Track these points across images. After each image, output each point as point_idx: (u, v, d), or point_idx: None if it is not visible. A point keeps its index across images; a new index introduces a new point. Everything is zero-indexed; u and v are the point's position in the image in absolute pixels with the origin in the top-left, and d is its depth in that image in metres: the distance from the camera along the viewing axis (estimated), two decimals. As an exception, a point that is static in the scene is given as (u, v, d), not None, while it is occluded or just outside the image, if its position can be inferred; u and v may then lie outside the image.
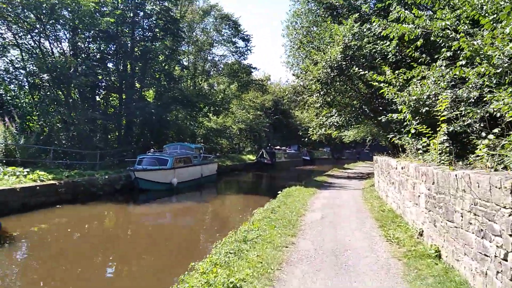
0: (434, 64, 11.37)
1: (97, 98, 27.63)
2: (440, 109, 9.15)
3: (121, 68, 28.39)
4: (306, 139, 49.21)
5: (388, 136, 14.12)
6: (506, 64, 7.80)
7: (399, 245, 6.82)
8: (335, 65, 17.03)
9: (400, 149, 21.57)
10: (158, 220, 14.07)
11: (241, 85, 43.90)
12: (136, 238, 11.11)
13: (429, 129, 9.62)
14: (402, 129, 14.95)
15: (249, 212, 12.57)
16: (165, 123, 30.70)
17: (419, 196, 7.26)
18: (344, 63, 17.08)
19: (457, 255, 5.10)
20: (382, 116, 13.59)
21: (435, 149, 9.38)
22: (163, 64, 29.72)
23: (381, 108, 18.09)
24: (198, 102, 30.32)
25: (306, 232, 8.05)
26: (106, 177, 16.93)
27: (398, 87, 12.64)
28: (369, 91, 20.50)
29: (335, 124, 20.16)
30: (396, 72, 12.57)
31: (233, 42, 41.74)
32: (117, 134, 27.37)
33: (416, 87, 11.77)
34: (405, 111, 11.94)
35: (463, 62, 9.30)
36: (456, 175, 5.08)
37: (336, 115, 20.10)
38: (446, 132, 9.29)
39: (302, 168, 45.16)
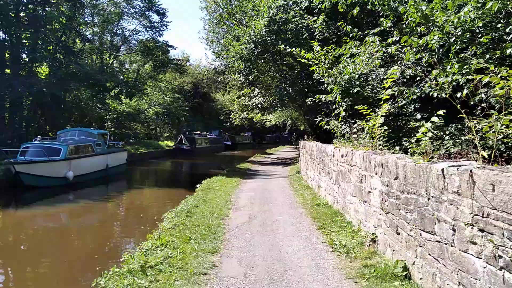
0: (367, 39, 10.24)
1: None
2: (385, 86, 7.93)
3: (4, 37, 23.17)
4: (228, 124, 47.68)
5: (315, 119, 12.92)
6: (459, 32, 6.74)
7: (349, 257, 5.32)
8: (260, 40, 15.27)
9: (318, 132, 20.99)
10: (46, 223, 11.00)
11: (157, 65, 40.10)
12: (18, 247, 8.16)
13: (367, 109, 8.36)
14: (330, 113, 13.94)
15: (161, 213, 10.32)
16: (63, 104, 26.25)
17: (369, 192, 5.84)
18: (269, 38, 15.41)
19: (444, 283, 3.66)
20: (310, 98, 12.27)
21: (371, 133, 8.22)
22: (59, 35, 25.02)
23: (306, 89, 16.96)
24: (102, 81, 26.26)
25: (231, 243, 6.17)
26: (-29, 173, 13.03)
27: (328, 65, 11.36)
28: (295, 71, 19.32)
29: (259, 106, 18.55)
30: (325, 48, 11.25)
31: (147, 15, 37.56)
32: (-3, 117, 22.36)
33: (348, 64, 10.59)
34: (335, 92, 10.73)
35: (399, 37, 8.23)
36: (443, 170, 3.58)
37: (259, 96, 18.50)
38: (384, 115, 8.14)
39: (224, 154, 43.43)
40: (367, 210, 6.03)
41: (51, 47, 24.23)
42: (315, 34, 14.32)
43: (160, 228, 7.10)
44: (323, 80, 13.83)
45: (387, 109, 7.98)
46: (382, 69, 10.57)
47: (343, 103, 10.73)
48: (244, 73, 17.40)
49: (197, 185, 12.71)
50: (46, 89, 21.57)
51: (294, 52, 13.78)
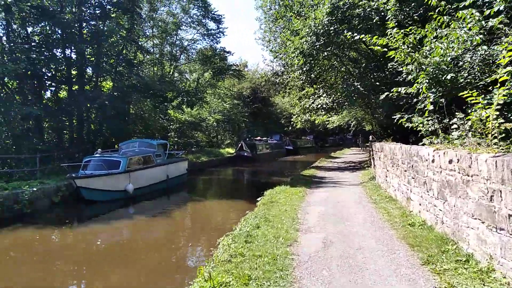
0: (459, 13, 8.09)
1: (45, 92, 23.43)
2: (502, 63, 5.92)
3: (69, 54, 24.10)
4: (289, 128, 46.04)
5: (387, 117, 10.84)
6: None
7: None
8: (322, 31, 13.49)
9: (389, 132, 18.38)
10: (105, 239, 10.33)
11: (215, 72, 39.91)
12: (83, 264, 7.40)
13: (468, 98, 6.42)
14: (409, 108, 11.74)
15: (220, 231, 9.04)
16: (127, 116, 26.70)
17: (511, 216, 3.86)
18: (333, 28, 13.56)
19: None
20: (385, 93, 10.26)
21: (477, 129, 6.18)
22: (120, 48, 25.50)
23: (378, 83, 14.78)
24: (162, 91, 26.22)
25: (304, 286, 4.56)
26: (35, 189, 12.96)
27: (409, 49, 9.30)
28: (362, 65, 17.15)
29: (324, 106, 16.67)
30: (404, 30, 9.21)
31: (203, 23, 37.59)
32: (65, 133, 23.15)
33: (436, 46, 8.49)
34: (421, 81, 8.66)
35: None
36: None
37: (324, 95, 16.63)
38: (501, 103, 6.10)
39: (286, 159, 41.87)
40: (505, 242, 4.04)
41: (112, 60, 24.70)
42: (387, 17, 12.23)
43: (213, 260, 5.70)
44: (401, 69, 11.73)
45: (504, 95, 5.93)
46: (485, 47, 8.32)
47: (429, 94, 8.66)
48: (305, 69, 15.72)
49: (258, 199, 11.26)
50: (109, 102, 21.83)
51: (364, 40, 11.83)
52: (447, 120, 9.65)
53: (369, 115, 25.45)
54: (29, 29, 22.02)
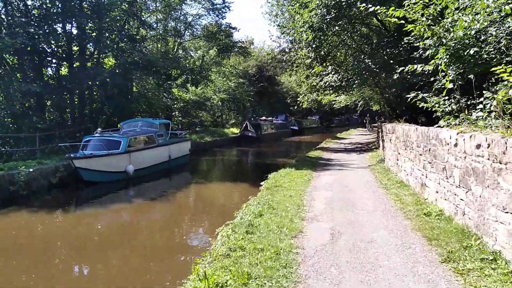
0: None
1: (46, 69, 22.79)
2: None
3: (70, 29, 23.30)
4: (295, 107, 45.21)
5: (407, 96, 10.14)
6: None
7: None
8: (333, 3, 12.59)
9: (398, 112, 17.51)
10: (103, 223, 9.94)
11: (220, 49, 38.79)
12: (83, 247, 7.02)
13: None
14: (423, 87, 11.02)
15: (221, 215, 8.61)
16: (130, 95, 26.08)
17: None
18: (344, 0, 12.67)
19: None
20: (400, 69, 9.51)
21: (499, 110, 5.56)
22: (122, 23, 24.62)
23: (391, 61, 13.94)
24: (165, 68, 25.43)
25: (310, 286, 4.05)
26: (31, 170, 12.53)
27: (429, 21, 8.48)
28: (373, 41, 16.24)
29: (332, 84, 15.87)
30: (421, 1, 8.36)
31: (208, -4, 36.24)
32: (67, 111, 22.64)
33: (459, 18, 7.70)
34: (441, 56, 7.92)
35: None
36: None
37: (332, 72, 15.80)
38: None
39: (291, 139, 41.23)
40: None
41: (114, 36, 23.88)
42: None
43: (210, 254, 5.21)
44: (417, 44, 10.93)
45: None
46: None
47: (449, 71, 7.96)
48: (314, 45, 14.87)
49: (262, 183, 10.72)
50: (110, 80, 21.17)
51: (377, 13, 11.01)
52: (465, 100, 8.92)
53: (378, 94, 24.53)
54: (29, 2, 21.20)
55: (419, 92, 9.78)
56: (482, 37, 8.02)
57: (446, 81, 7.97)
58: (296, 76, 23.90)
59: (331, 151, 20.45)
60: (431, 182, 7.10)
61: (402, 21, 8.49)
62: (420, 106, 9.64)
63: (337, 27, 14.30)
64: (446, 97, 8.85)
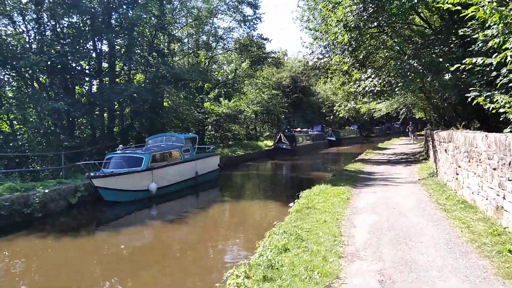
0: None
1: (79, 87, 22.87)
2: None
3: (99, 46, 23.33)
4: (332, 117, 43.22)
5: (466, 95, 8.38)
6: None
7: None
8: (371, -4, 11.05)
9: (446, 119, 15.29)
10: (120, 247, 8.90)
11: (253, 61, 37.92)
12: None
13: None
14: (484, 85, 9.15)
15: (243, 248, 7.24)
16: (159, 109, 25.60)
17: None
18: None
19: None
20: (457, 65, 7.74)
21: None
22: (150, 38, 24.38)
23: (441, 59, 12.03)
24: (192, 80, 24.73)
25: None
26: (47, 191, 11.83)
27: (494, 3, 6.71)
28: (419, 42, 14.38)
29: (372, 89, 14.11)
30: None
31: (239, 9, 35.65)
32: (98, 129, 22.44)
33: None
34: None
35: None
36: None
37: (372, 76, 14.07)
38: None
39: (329, 151, 39.22)
40: None
41: (143, 51, 23.62)
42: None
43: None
44: (475, 35, 9.23)
45: None
46: None
47: None
48: (350, 48, 13.30)
49: (290, 204, 9.18)
50: (137, 95, 20.69)
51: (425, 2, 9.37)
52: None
53: (422, 100, 22.30)
54: (62, 21, 21.39)
55: (482, 90, 7.98)
56: None
57: None
58: (331, 84, 22.26)
59: (372, 163, 18.49)
60: (513, 206, 5.31)
61: (459, 7, 6.82)
62: (474, 110, 7.73)
63: (375, 26, 12.64)
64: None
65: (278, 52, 52.86)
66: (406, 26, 16.03)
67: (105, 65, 23.99)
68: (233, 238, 9.68)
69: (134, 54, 23.46)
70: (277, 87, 50.10)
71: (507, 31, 6.46)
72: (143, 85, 21.87)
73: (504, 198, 5.67)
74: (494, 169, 6.02)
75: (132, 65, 24.26)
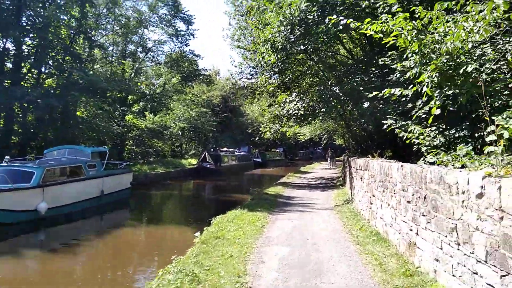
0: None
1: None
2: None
3: (3, 45, 20.40)
4: (257, 139, 43.42)
5: (383, 121, 8.38)
6: None
7: None
8: (298, 20, 10.84)
9: (363, 146, 15.85)
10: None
11: (183, 77, 36.55)
12: None
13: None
14: (401, 114, 9.33)
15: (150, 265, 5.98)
16: (69, 119, 22.95)
17: None
18: (311, 16, 10.96)
19: None
20: (375, 92, 7.61)
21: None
22: (68, 40, 21.99)
23: (361, 88, 12.24)
24: (110, 90, 22.73)
25: None
26: None
27: (414, 35, 6.69)
28: (342, 70, 14.68)
29: (296, 113, 13.92)
30: (405, 14, 6.58)
31: (172, 24, 34.38)
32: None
33: (458, 26, 5.98)
34: (428, 75, 6.14)
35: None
36: None
37: (296, 100, 13.90)
38: None
39: (254, 172, 38.99)
40: None
41: (54, 53, 21.12)
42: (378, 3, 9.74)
43: None
44: (393, 66, 9.35)
45: None
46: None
47: (435, 94, 6.22)
48: (277, 69, 12.99)
49: (196, 234, 8.13)
50: (41, 101, 18.15)
51: (352, 25, 9.21)
52: (452, 131, 7.19)
53: (342, 127, 23.11)
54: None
55: (398, 119, 7.93)
56: (478, 52, 6.34)
57: (432, 107, 6.19)
58: (259, 105, 22.03)
59: (293, 187, 18.29)
60: (426, 244, 4.96)
61: (380, 35, 6.65)
62: (388, 139, 7.64)
63: (301, 50, 12.53)
64: (433, 127, 7.06)
65: (210, 70, 52.38)
66: (331, 54, 16.44)
67: (9, 65, 21.09)
68: (122, 275, 8.27)
69: (46, 56, 20.91)
70: (207, 105, 49.24)
71: (424, 61, 6.39)
72: (52, 91, 19.38)
73: (417, 234, 5.34)
74: (408, 202, 5.72)
75: (42, 68, 21.63)
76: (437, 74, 6.12)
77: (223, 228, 8.37)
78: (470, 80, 5.97)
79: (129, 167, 19.94)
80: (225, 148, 41.28)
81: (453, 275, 4.15)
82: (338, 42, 15.61)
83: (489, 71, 6.05)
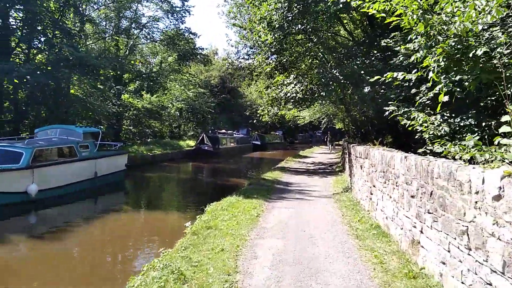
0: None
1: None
2: None
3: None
4: (255, 121, 42.92)
5: (385, 109, 7.90)
6: None
7: None
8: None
9: (363, 132, 15.43)
10: None
11: (180, 56, 35.65)
12: None
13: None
14: (404, 101, 8.85)
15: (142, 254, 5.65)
16: (62, 97, 22.35)
17: None
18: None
19: None
20: (377, 77, 7.12)
21: None
22: (57, 13, 21.17)
23: (362, 71, 11.70)
24: (101, 67, 22.00)
25: None
26: None
27: (419, 13, 6.14)
28: (342, 52, 14.05)
29: (294, 96, 13.40)
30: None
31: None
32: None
33: (469, 5, 5.39)
34: (435, 59, 5.65)
35: None
36: None
37: (295, 83, 13.35)
38: None
39: (252, 155, 38.66)
40: None
41: (42, 27, 20.35)
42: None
43: None
44: (397, 48, 8.84)
45: None
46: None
47: (442, 80, 5.72)
48: (274, 49, 12.40)
49: (187, 224, 7.76)
50: (31, 76, 17.53)
51: (353, 4, 8.62)
52: (457, 120, 6.77)
53: (342, 112, 22.58)
54: None
55: (400, 106, 7.45)
56: (486, 35, 5.86)
57: (437, 93, 5.74)
58: (257, 87, 21.41)
59: (291, 172, 17.94)
60: (431, 244, 4.59)
61: (383, 14, 6.13)
62: (388, 125, 7.23)
63: (300, 29, 11.89)
64: (438, 115, 6.61)
65: (208, 50, 51.23)
66: (330, 35, 15.77)
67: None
68: (108, 266, 7.97)
69: (35, 30, 20.16)
70: (205, 86, 48.40)
71: (430, 44, 5.89)
72: (41, 67, 18.73)
73: (421, 232, 4.97)
74: (412, 196, 5.33)
75: (32, 43, 20.89)
76: (444, 59, 5.64)
77: (216, 217, 8.02)
78: (481, 65, 5.50)
79: (124, 148, 19.53)
80: (223, 130, 40.79)
81: (462, 283, 3.79)
82: (338, 22, 14.93)
83: (499, 56, 5.54)
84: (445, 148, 5.20)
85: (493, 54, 5.49)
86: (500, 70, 5.41)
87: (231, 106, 51.70)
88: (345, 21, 15.36)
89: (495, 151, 4.00)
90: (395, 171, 6.24)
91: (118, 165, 16.61)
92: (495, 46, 5.55)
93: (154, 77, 37.40)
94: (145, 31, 35.13)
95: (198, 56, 37.47)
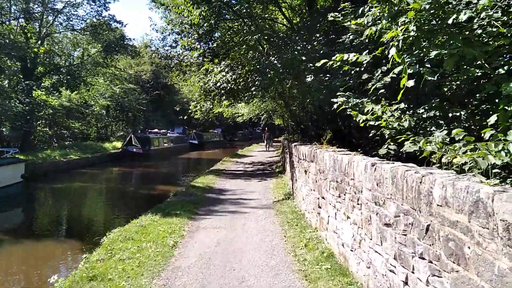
0: None
1: None
2: None
3: None
4: (192, 119, 40.27)
5: (332, 101, 6.05)
6: None
7: None
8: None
9: (303, 128, 14.03)
10: None
11: (106, 48, 31.64)
12: None
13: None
14: (354, 90, 7.28)
15: None
16: None
17: None
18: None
19: None
20: (323, 60, 5.23)
21: None
22: None
23: (303, 57, 9.99)
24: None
25: None
26: None
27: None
28: (282, 38, 12.29)
29: (225, 87, 11.27)
30: None
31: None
32: None
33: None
34: (404, 27, 3.74)
35: None
36: None
37: (226, 70, 11.25)
38: None
39: (189, 155, 35.98)
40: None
41: None
42: None
43: None
44: (346, 23, 7.13)
45: None
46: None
47: (406, 59, 3.82)
48: (202, 31, 10.21)
49: (54, 277, 5.25)
50: None
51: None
52: (421, 111, 5.26)
53: (281, 107, 21.09)
54: None
55: (350, 96, 5.66)
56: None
57: (402, 77, 4.01)
58: (187, 80, 18.99)
59: (227, 176, 15.88)
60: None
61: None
62: (328, 120, 5.61)
63: (230, 6, 9.84)
64: (400, 104, 4.99)
65: (138, 40, 47.23)
66: (268, 22, 14.01)
67: None
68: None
69: None
70: (136, 82, 44.55)
71: (395, 9, 4.22)
72: None
73: (406, 283, 3.18)
74: (388, 225, 3.53)
75: None
76: (414, 28, 3.92)
77: (113, 254, 5.67)
78: (464, 37, 3.89)
79: (32, 155, 16.07)
80: (156, 130, 37.53)
81: None
82: (276, 8, 13.30)
83: (484, 23, 3.89)
84: (419, 147, 3.57)
85: (475, 21, 3.85)
86: (489, 41, 3.88)
87: (166, 103, 48.30)
88: (282, 5, 13.75)
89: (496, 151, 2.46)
90: (356, 183, 4.44)
91: (10, 177, 13.25)
92: (478, 11, 3.90)
93: (74, 71, 33.16)
94: (61, 17, 30.74)
95: (128, 48, 33.82)
